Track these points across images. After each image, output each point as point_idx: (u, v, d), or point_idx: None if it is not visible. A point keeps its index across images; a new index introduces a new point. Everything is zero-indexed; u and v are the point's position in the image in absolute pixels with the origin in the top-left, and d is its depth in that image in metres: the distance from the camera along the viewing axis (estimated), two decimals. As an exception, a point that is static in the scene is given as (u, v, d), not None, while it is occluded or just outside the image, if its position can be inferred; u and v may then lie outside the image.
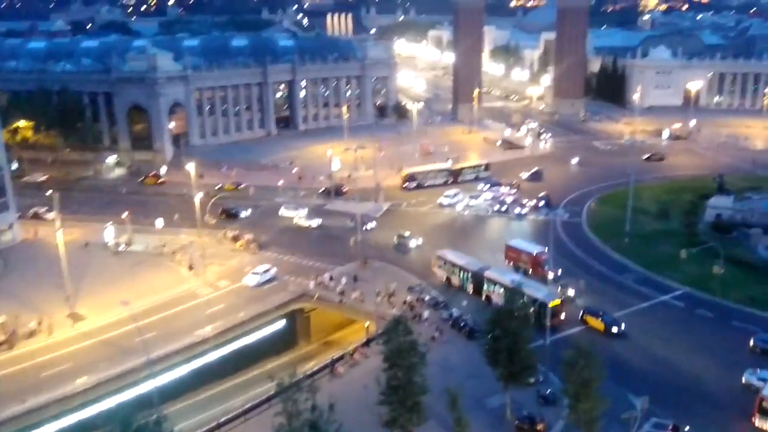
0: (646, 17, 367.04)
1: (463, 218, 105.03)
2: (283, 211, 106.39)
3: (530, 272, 79.68)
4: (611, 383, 50.96)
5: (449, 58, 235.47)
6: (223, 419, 58.79)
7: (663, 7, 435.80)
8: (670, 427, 52.25)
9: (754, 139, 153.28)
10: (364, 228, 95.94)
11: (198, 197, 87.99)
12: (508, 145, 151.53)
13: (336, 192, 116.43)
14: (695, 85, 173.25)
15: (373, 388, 49.44)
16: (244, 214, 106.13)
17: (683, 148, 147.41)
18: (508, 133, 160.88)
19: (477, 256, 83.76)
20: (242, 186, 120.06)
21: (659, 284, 79.01)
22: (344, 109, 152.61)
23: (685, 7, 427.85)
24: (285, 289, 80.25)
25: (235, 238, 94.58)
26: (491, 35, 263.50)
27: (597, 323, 69.03)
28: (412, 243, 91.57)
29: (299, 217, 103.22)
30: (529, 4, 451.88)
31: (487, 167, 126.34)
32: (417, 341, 49.67)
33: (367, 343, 68.27)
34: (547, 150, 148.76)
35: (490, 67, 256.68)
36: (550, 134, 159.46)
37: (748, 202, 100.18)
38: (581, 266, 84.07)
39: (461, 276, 78.41)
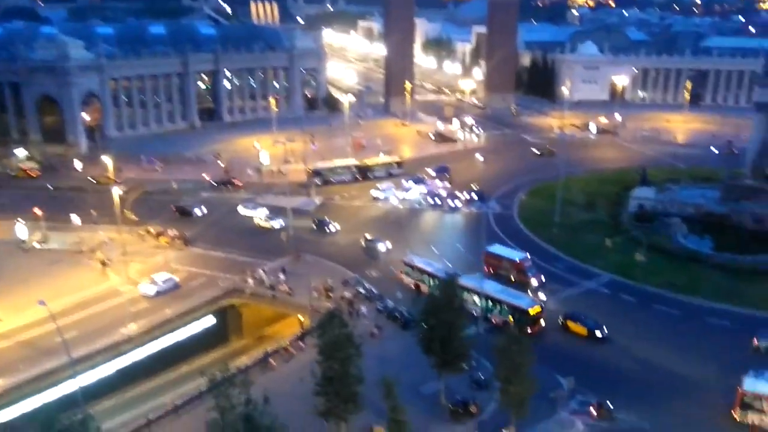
0: (575, 12, 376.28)
1: (398, 212, 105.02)
2: (242, 210, 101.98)
3: (513, 279, 76.68)
4: (540, 367, 52.10)
5: (380, 49, 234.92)
6: (153, 416, 56.96)
7: (591, 2, 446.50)
8: (594, 404, 53.96)
9: (675, 133, 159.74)
10: (327, 230, 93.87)
11: (116, 192, 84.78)
12: (442, 138, 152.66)
13: (225, 184, 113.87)
14: (621, 80, 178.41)
15: (308, 380, 49.07)
16: (198, 212, 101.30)
17: (609, 142, 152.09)
18: (441, 126, 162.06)
19: (416, 249, 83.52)
20: (122, 178, 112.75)
21: (586, 271, 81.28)
22: (272, 100, 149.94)
23: (612, 3, 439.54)
24: (215, 285, 78.25)
25: (159, 234, 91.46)
26: (423, 27, 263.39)
27: (579, 328, 67.26)
28: (381, 246, 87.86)
29: (259, 217, 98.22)
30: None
31: (399, 164, 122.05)
32: (352, 333, 49.60)
33: (301, 337, 67.45)
34: (480, 143, 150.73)
35: (422, 59, 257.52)
36: (481, 128, 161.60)
37: (669, 193, 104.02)
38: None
39: (431, 283, 73.40)
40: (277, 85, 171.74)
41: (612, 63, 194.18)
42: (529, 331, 63.23)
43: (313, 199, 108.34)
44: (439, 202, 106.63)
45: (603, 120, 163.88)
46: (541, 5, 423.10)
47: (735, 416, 53.91)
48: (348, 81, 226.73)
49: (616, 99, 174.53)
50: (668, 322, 69.57)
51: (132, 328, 68.89)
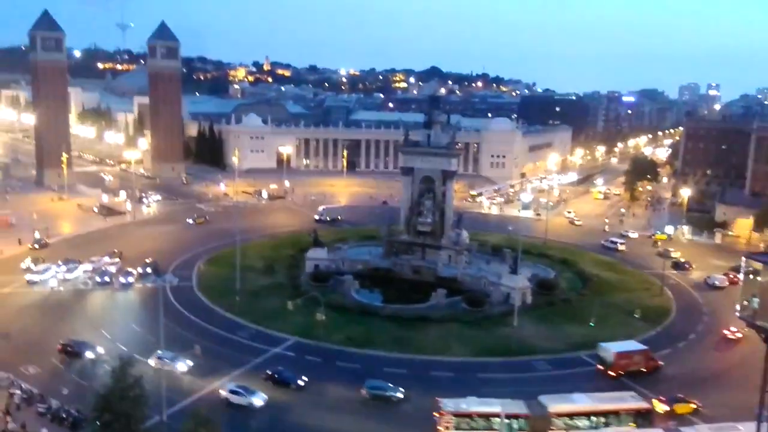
0: (237, 87, 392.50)
1: (60, 295, 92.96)
2: None
3: (645, 370, 71.98)
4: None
5: (30, 119, 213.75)
6: None
7: (250, 78, 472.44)
8: None
9: (338, 196, 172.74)
10: None
11: None
12: (108, 211, 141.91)
13: None
14: (285, 149, 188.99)
15: None
16: None
17: (281, 207, 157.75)
18: (106, 198, 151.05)
19: (84, 335, 74.10)
20: None
21: (271, 337, 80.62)
22: None
23: (270, 79, 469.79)
24: None
25: None
26: (78, 97, 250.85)
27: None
28: (89, 353, 72.00)
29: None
30: (118, 68, 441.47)
31: None
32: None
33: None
34: (152, 214, 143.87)
35: (80, 130, 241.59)
36: (158, 197, 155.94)
37: (339, 252, 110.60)
38: (195, 330, 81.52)
39: (505, 426, 58.29)
40: None
41: (275, 133, 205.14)
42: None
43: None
44: (108, 280, 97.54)
45: (273, 186, 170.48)
46: (203, 78, 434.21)
47: None
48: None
49: (283, 167, 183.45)
50: (352, 377, 70.80)
51: None
